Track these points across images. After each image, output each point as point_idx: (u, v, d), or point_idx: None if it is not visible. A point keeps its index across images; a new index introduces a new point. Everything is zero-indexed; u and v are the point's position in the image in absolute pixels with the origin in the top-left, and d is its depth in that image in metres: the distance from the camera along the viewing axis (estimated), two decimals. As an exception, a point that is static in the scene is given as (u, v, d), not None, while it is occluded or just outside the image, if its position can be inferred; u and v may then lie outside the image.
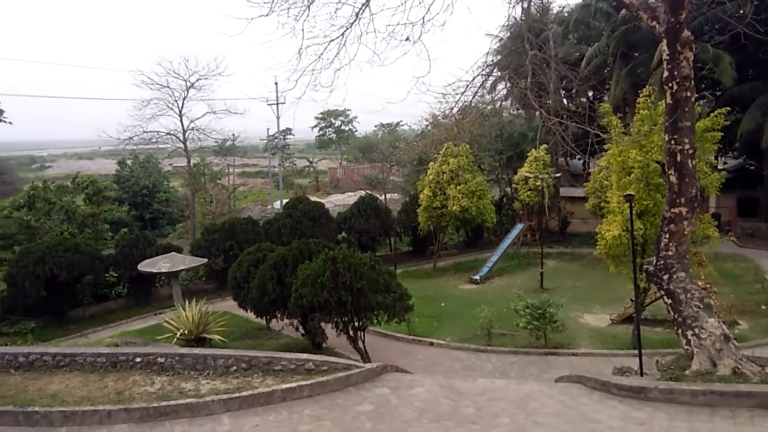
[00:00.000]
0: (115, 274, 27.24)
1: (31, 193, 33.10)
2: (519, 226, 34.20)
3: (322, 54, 10.82)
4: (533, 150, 32.55)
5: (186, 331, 16.37)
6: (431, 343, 19.68)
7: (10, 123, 46.39)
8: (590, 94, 42.70)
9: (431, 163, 32.64)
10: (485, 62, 15.00)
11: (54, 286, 23.69)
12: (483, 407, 9.84)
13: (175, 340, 16.01)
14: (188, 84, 35.61)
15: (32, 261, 23.49)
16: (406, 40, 10.50)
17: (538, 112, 33.16)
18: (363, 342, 15.09)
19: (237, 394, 10.22)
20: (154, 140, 36.14)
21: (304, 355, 11.73)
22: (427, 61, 10.58)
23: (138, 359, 11.60)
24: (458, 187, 30.35)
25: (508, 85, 40.26)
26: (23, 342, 18.88)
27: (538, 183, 31.29)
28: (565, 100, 42.63)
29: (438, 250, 33.66)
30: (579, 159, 42.46)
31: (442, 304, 24.62)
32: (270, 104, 44.87)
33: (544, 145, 31.68)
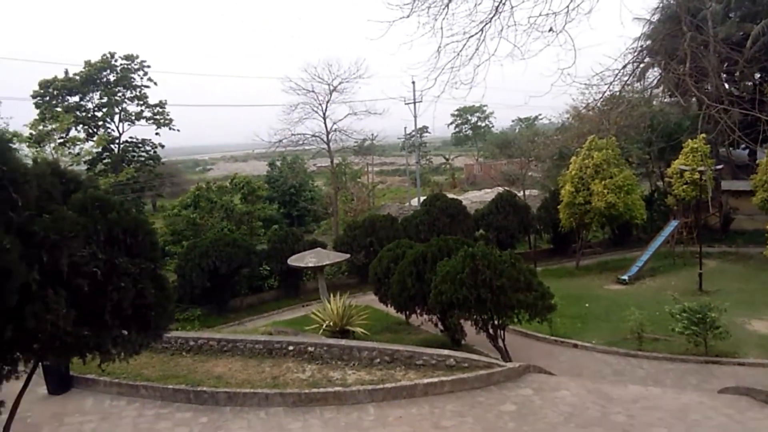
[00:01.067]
0: (268, 268, 29.28)
1: (196, 193, 36.58)
2: (673, 223, 31.62)
3: (461, 51, 10.78)
4: (689, 140, 29.95)
5: (331, 323, 17.20)
6: (575, 345, 18.87)
7: (178, 130, 51.72)
8: (757, 76, 38.36)
9: (573, 158, 31.25)
10: (635, 48, 14.05)
11: (216, 278, 26.02)
12: (636, 415, 9.29)
13: (321, 331, 16.89)
14: (331, 88, 37.30)
15: (198, 254, 26.00)
16: (549, 30, 10.12)
17: (696, 100, 30.44)
18: (503, 341, 14.87)
19: (381, 386, 10.59)
20: (300, 142, 38.32)
21: (445, 351, 11.84)
22: (572, 51, 10.12)
23: (291, 347, 12.42)
24: (603, 182, 28.76)
25: (661, 71, 37.37)
26: (191, 327, 20.98)
27: (696, 176, 28.72)
28: (726, 85, 38.68)
29: (581, 248, 32.17)
30: (744, 149, 38.29)
31: (587, 305, 23.50)
32: (407, 103, 45.63)
33: (703, 135, 29.01)
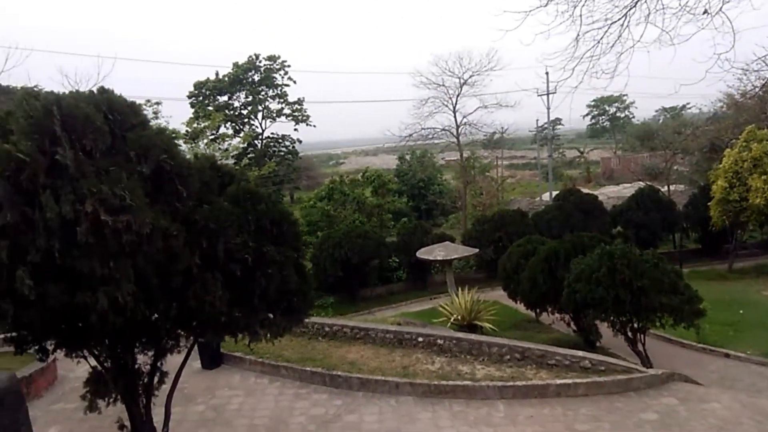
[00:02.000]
0: (397, 260, 29.89)
1: (330, 186, 38.19)
2: None
3: (601, 38, 10.24)
4: None
5: (459, 317, 17.22)
6: (726, 355, 17.28)
7: (315, 126, 54.18)
8: None
9: (727, 150, 28.47)
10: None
11: (348, 268, 27.04)
12: (800, 436, 8.37)
13: (449, 324, 16.97)
14: (462, 81, 37.11)
15: (331, 245, 27.17)
16: (704, 13, 9.32)
17: None
18: (643, 345, 13.98)
19: (511, 383, 10.43)
20: (430, 136, 38.60)
21: (580, 353, 11.39)
22: (730, 34, 9.23)
23: (420, 339, 12.61)
24: (763, 177, 25.94)
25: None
26: (325, 314, 21.97)
27: None
28: None
29: (735, 250, 29.29)
30: None
31: (741, 312, 21.38)
32: (540, 95, 44.17)
33: None
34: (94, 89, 6.07)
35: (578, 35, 10.21)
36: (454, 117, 37.85)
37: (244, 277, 6.66)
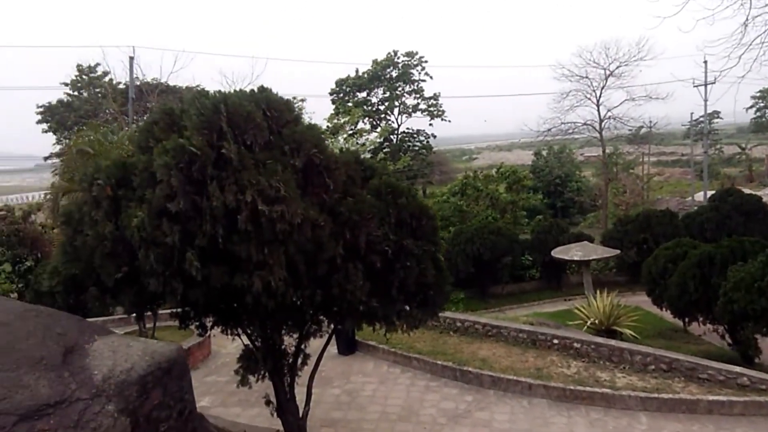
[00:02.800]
0: (530, 258, 29.07)
1: (463, 181, 37.99)
2: None
3: (777, 22, 9.20)
4: None
5: (596, 321, 16.38)
6: None
7: (449, 121, 54.14)
8: None
9: None
10: None
11: (479, 264, 26.76)
12: None
13: (585, 328, 16.21)
14: (607, 72, 35.16)
15: (463, 240, 27.05)
16: None
17: None
18: (814, 366, 12.46)
19: (656, 395, 9.78)
20: (570, 131, 37.04)
21: (737, 368, 10.40)
22: None
23: (555, 341, 12.21)
24: None
25: None
26: (455, 309, 21.96)
27: None
28: None
29: None
30: None
31: None
32: (697, 86, 40.58)
33: None
34: (254, 88, 6.56)
35: (747, 20, 9.27)
36: (598, 110, 35.97)
37: (384, 268, 6.86)
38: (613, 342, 12.12)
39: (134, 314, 8.86)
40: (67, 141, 34.69)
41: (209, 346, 13.83)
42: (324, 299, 6.88)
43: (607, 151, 40.51)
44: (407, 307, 7.46)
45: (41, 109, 37.79)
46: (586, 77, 35.60)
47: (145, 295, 6.40)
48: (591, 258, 21.30)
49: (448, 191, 38.52)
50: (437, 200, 38.38)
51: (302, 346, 8.04)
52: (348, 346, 13.37)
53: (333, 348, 13.26)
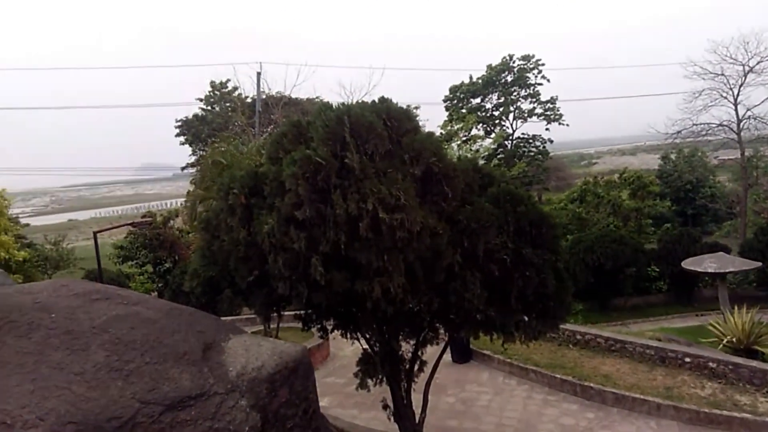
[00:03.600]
0: (657, 269, 27.32)
1: (582, 188, 36.46)
2: None
3: None
4: None
5: (733, 339, 15.04)
6: None
7: (567, 125, 52.26)
8: None
9: None
10: None
11: (599, 274, 25.54)
12: None
13: (720, 346, 14.93)
14: (747, 69, 32.24)
15: (582, 249, 25.95)
16: None
17: None
18: None
19: (808, 425, 8.81)
20: (702, 133, 34.34)
21: None
22: None
23: (687, 359, 11.37)
24: None
25: None
26: (574, 321, 21.10)
27: None
28: None
29: None
30: None
31: None
32: None
33: None
34: (375, 99, 6.75)
35: None
36: (735, 110, 33.04)
37: (502, 277, 6.77)
38: (754, 363, 11.06)
39: (262, 315, 9.39)
40: (201, 152, 37.57)
41: (328, 349, 14.33)
42: (441, 306, 6.91)
43: (747, 153, 37.09)
44: (526, 318, 7.30)
45: (179, 123, 41.25)
46: (722, 74, 32.85)
47: (273, 297, 6.78)
48: (727, 270, 19.57)
49: (566, 198, 37.13)
50: (554, 207, 37.11)
51: (419, 353, 8.11)
52: (462, 355, 13.30)
53: (447, 356, 13.23)
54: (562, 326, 13.10)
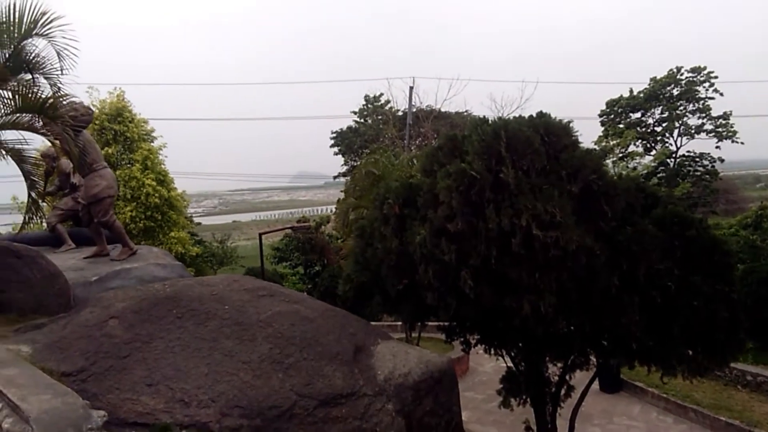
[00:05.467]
0: None
1: (758, 212, 32.65)
2: None
3: None
4: None
5: None
6: None
7: (742, 143, 47.26)
8: None
9: None
10: None
11: (777, 311, 22.68)
12: None
13: None
14: None
15: (755, 281, 23.19)
16: None
17: None
18: None
19: None
20: None
21: None
22: None
23: None
24: None
25: None
26: (744, 361, 18.93)
27: None
28: None
29: None
30: None
31: None
32: None
33: None
34: (533, 113, 6.64)
35: None
36: None
37: (665, 305, 6.29)
38: None
39: (408, 323, 9.60)
40: (353, 163, 39.25)
41: (467, 363, 14.24)
42: (593, 330, 6.60)
43: None
44: (690, 351, 6.71)
45: (334, 135, 43.53)
46: None
47: (421, 307, 6.90)
48: None
49: (737, 223, 33.40)
50: (723, 232, 33.61)
51: (567, 377, 7.79)
52: (612, 384, 12.51)
53: (595, 383, 12.55)
54: (731, 364, 11.89)
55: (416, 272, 6.53)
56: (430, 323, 11.73)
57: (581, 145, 6.94)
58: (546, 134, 6.32)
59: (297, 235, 27.31)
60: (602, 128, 45.04)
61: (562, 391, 7.82)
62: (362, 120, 42.61)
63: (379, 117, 40.10)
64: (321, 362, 5.50)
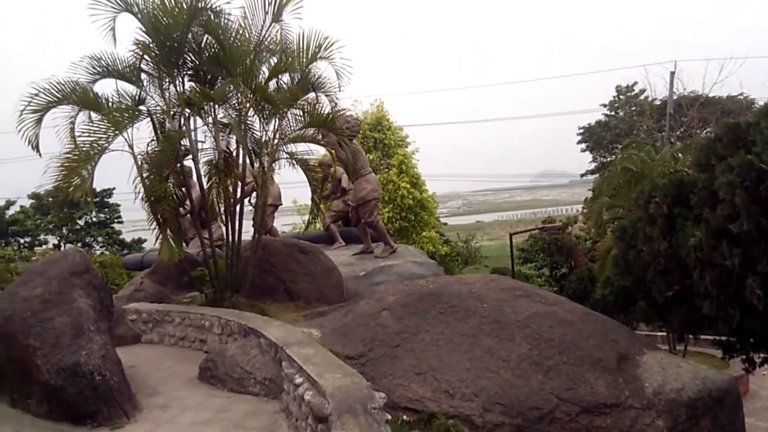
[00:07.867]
0: None
1: None
2: None
3: None
4: None
5: None
6: None
7: None
8: None
9: None
10: None
11: None
12: None
13: None
14: None
15: None
16: None
17: None
18: None
19: None
20: None
21: None
22: None
23: None
24: None
25: None
26: None
27: None
28: None
29: None
30: None
31: None
32: None
33: None
34: None
35: None
36: None
37: None
38: None
39: (678, 334, 8.74)
40: (602, 159, 36.98)
41: (747, 384, 12.42)
42: None
43: None
44: None
45: (581, 131, 41.38)
46: None
47: (694, 317, 6.23)
48: None
49: None
50: None
51: None
52: None
53: None
54: None
55: (689, 278, 5.93)
56: (702, 336, 10.54)
57: None
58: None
59: (543, 236, 26.76)
60: None
61: None
62: (613, 113, 39.88)
63: (633, 108, 37.07)
64: (582, 367, 5.32)
